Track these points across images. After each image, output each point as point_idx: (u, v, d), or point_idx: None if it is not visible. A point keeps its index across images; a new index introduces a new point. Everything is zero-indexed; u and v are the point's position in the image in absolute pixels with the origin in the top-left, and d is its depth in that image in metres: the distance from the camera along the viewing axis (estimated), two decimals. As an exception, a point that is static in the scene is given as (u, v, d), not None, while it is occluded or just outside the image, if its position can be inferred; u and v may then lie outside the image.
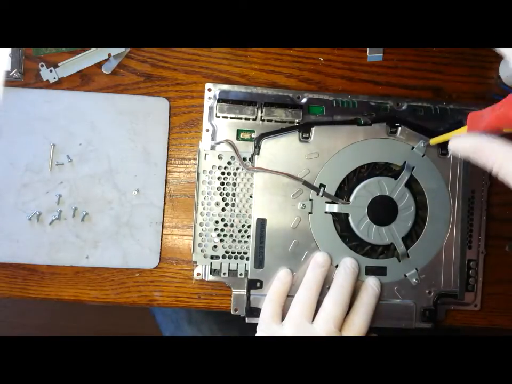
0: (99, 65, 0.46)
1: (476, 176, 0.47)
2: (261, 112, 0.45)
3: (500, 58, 0.49)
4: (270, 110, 0.44)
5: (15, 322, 1.04)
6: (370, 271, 0.45)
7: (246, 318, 0.44)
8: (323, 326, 0.41)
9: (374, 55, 0.48)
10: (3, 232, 0.44)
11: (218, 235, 0.45)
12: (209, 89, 0.45)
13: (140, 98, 0.46)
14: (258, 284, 0.44)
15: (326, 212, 0.45)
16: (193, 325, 0.60)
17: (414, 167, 0.45)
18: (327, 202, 0.45)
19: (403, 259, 0.45)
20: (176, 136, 0.47)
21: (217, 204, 0.45)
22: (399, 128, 0.45)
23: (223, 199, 0.45)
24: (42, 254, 0.45)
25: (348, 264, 0.44)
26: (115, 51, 0.45)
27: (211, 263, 0.44)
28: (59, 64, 0.45)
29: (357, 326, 0.42)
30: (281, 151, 0.44)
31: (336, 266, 0.44)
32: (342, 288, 0.42)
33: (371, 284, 0.44)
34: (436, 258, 0.46)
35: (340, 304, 0.42)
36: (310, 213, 0.44)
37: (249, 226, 0.45)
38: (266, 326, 0.42)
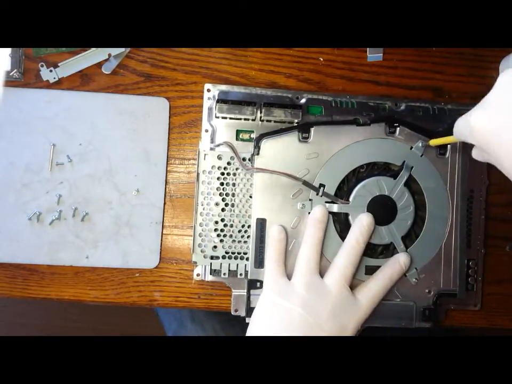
0: (99, 65, 0.46)
1: (474, 176, 0.47)
2: (260, 112, 0.45)
3: (499, 58, 0.49)
4: (270, 111, 0.44)
5: (15, 322, 1.04)
6: (370, 270, 0.45)
7: (246, 318, 0.44)
8: (334, 280, 0.42)
9: (374, 55, 0.48)
10: (3, 232, 0.44)
11: (218, 235, 0.45)
12: (209, 90, 0.46)
13: (139, 98, 0.46)
14: (258, 284, 0.44)
15: (325, 212, 0.45)
16: (197, 323, 0.60)
17: (412, 167, 0.45)
18: (326, 202, 0.45)
19: (403, 259, 0.45)
20: (176, 136, 0.47)
21: (217, 204, 0.45)
22: (398, 128, 0.45)
23: (223, 199, 0.45)
24: (42, 254, 0.45)
25: (363, 222, 0.43)
26: (115, 51, 0.45)
27: (211, 263, 0.44)
28: (59, 64, 0.45)
29: (371, 292, 0.42)
30: (281, 151, 0.44)
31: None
32: (353, 249, 0.43)
33: (400, 262, 0.44)
34: (435, 257, 0.46)
35: (351, 262, 0.42)
36: (309, 213, 0.44)
37: (249, 226, 0.45)
38: (275, 283, 0.42)
